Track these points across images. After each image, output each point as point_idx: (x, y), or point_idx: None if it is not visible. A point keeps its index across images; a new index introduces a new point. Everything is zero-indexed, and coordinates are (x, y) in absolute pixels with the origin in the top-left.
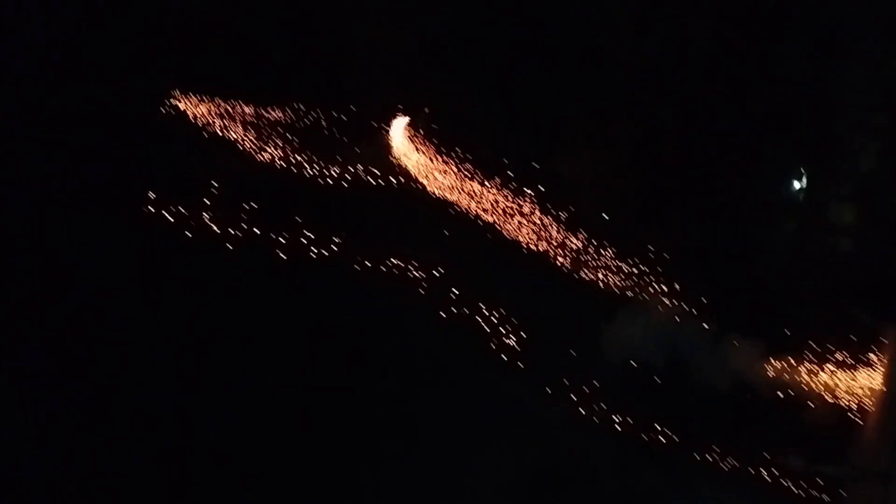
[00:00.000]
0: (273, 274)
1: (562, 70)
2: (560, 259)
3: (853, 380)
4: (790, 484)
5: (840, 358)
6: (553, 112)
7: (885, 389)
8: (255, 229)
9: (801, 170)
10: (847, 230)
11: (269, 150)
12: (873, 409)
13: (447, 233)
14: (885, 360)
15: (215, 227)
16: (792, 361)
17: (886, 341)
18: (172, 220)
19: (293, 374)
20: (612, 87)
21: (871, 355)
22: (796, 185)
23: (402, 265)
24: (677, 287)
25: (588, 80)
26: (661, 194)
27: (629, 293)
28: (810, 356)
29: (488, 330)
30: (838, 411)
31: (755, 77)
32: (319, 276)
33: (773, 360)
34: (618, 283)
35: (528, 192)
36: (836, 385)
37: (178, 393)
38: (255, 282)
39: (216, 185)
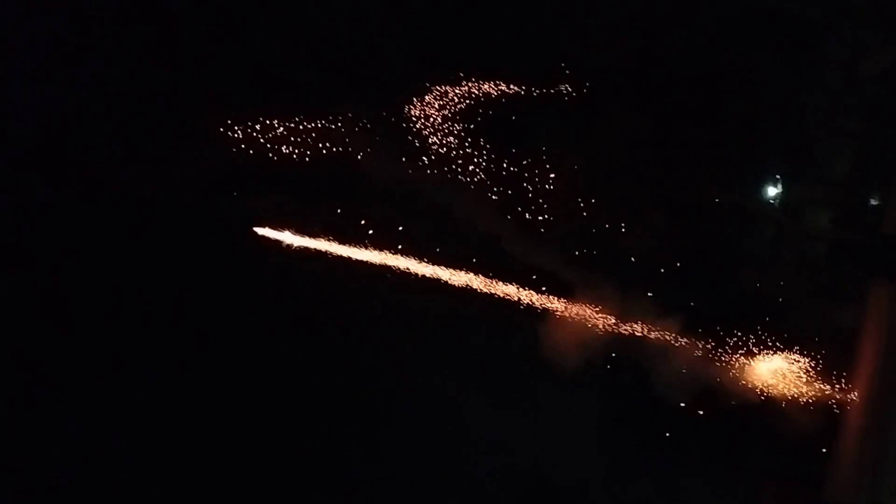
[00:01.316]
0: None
1: (534, 76)
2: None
3: (833, 388)
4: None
5: (819, 365)
6: (525, 118)
7: (860, 416)
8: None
9: (777, 176)
10: (823, 235)
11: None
12: (848, 435)
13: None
14: (861, 376)
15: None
16: (769, 368)
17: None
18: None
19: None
20: (582, 95)
21: (851, 361)
22: (771, 191)
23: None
24: (652, 295)
25: (560, 86)
26: (634, 203)
27: (603, 301)
28: (788, 362)
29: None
30: (816, 423)
31: (727, 84)
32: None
33: (750, 367)
34: (592, 292)
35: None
36: (815, 393)
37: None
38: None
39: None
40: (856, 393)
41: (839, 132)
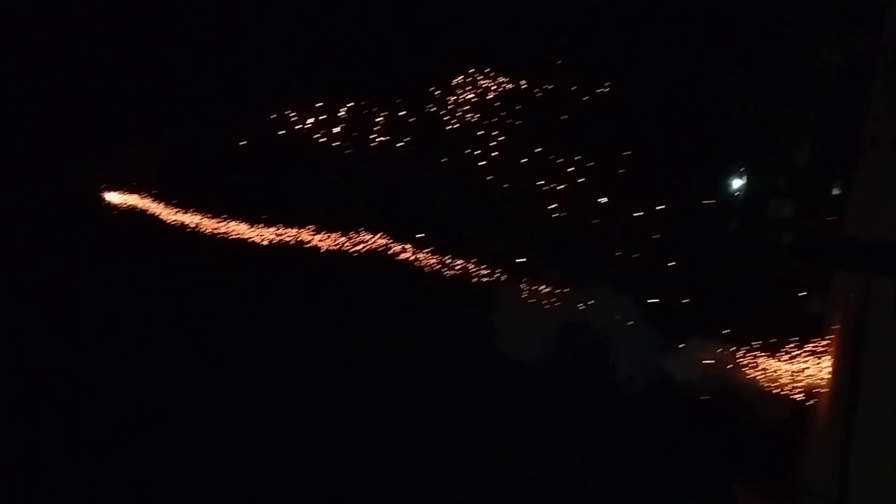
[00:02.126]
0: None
1: (501, 75)
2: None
3: (800, 376)
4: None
5: (786, 353)
6: (492, 116)
7: (828, 402)
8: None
9: (740, 168)
10: (786, 224)
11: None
12: (817, 423)
13: None
14: (830, 369)
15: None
16: (738, 358)
17: (831, 341)
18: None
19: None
20: (546, 93)
21: (817, 349)
22: (736, 183)
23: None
24: (621, 289)
25: (525, 84)
26: (603, 199)
27: (571, 298)
28: (756, 352)
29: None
30: (786, 411)
31: (691, 81)
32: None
33: (720, 358)
34: (560, 287)
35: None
36: (784, 382)
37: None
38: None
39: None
40: (823, 379)
41: (798, 125)
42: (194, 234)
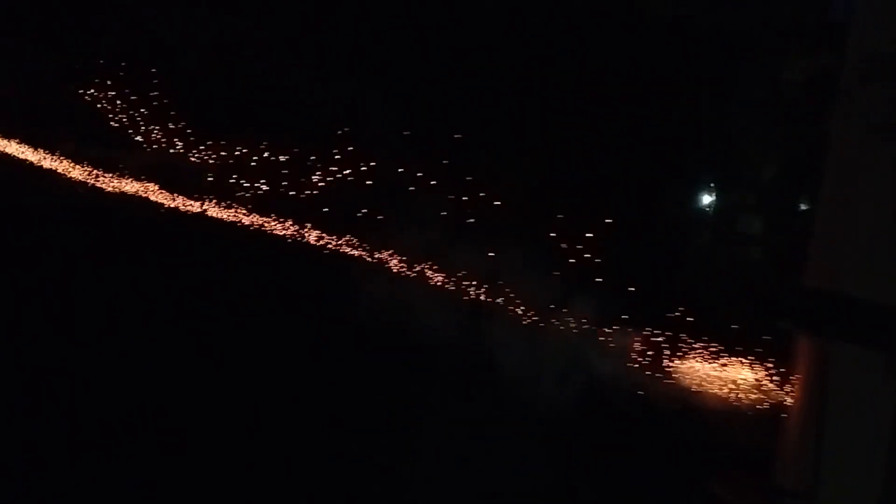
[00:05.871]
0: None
1: (465, 87)
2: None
3: (770, 390)
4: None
5: (756, 368)
6: (458, 131)
7: (799, 402)
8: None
9: (710, 184)
10: (756, 239)
11: None
12: (789, 423)
13: None
14: (799, 371)
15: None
16: (708, 373)
17: (799, 352)
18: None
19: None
20: (513, 106)
21: (788, 364)
22: (706, 198)
23: None
24: (590, 304)
25: (490, 96)
26: (571, 215)
27: (542, 314)
28: (726, 367)
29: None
30: (755, 424)
31: (658, 98)
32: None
33: (688, 373)
34: (530, 304)
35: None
36: (754, 397)
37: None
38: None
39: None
40: (793, 388)
41: (765, 140)
42: None
